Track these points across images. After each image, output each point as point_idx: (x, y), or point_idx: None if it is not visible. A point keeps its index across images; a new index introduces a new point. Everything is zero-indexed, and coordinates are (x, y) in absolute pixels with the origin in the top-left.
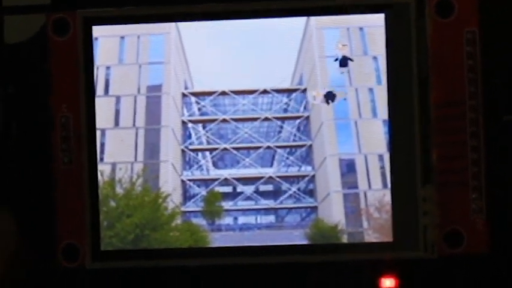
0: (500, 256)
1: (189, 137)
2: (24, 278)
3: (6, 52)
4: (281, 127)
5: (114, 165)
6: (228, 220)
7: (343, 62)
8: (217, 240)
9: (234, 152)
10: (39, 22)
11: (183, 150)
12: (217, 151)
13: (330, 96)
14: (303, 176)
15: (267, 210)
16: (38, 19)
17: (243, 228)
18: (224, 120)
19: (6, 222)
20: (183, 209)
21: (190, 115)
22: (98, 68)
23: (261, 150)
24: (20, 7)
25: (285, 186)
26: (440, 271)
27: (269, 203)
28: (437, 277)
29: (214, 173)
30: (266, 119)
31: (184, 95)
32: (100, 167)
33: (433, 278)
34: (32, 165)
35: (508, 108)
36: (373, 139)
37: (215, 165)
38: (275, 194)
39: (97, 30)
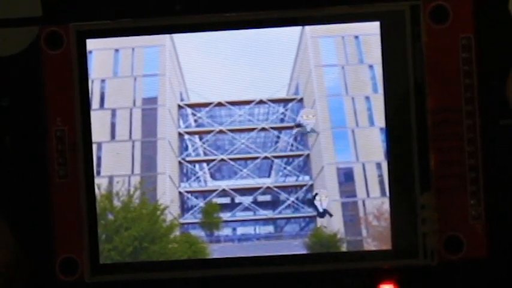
0: (499, 261)
1: (186, 148)
2: None
3: None
4: (278, 137)
5: (111, 179)
6: (226, 231)
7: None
8: (216, 251)
9: (232, 163)
10: (32, 34)
11: (180, 162)
12: (214, 162)
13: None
14: (301, 186)
15: (265, 221)
16: (30, 32)
17: (241, 239)
18: (221, 131)
19: (2, 233)
20: (181, 220)
21: (186, 127)
22: (92, 82)
23: (258, 160)
24: (12, 20)
25: (283, 196)
26: (439, 277)
27: (268, 213)
28: (436, 283)
29: (212, 184)
30: (263, 129)
31: (180, 107)
32: (97, 180)
33: (432, 284)
34: (28, 179)
35: (504, 113)
36: (371, 147)
37: (213, 176)
38: (273, 204)
39: (91, 43)
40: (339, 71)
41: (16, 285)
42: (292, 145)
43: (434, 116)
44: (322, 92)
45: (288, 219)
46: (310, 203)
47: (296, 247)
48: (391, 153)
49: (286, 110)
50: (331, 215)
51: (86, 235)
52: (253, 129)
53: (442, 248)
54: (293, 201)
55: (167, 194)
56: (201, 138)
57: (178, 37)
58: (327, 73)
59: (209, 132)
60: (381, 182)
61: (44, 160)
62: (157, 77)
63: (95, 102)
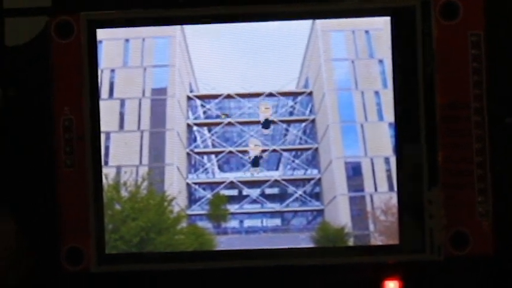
0: (505, 258)
1: (195, 140)
2: (26, 280)
3: (7, 54)
4: (287, 130)
5: (119, 169)
6: (233, 223)
7: (266, 124)
8: (223, 243)
9: (240, 155)
10: (40, 24)
11: (188, 154)
12: (222, 154)
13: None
14: (309, 179)
15: (273, 214)
16: (39, 21)
17: (248, 231)
18: (229, 124)
19: (6, 223)
20: (188, 212)
21: (195, 118)
22: (102, 71)
23: (266, 153)
24: (20, 9)
25: (291, 189)
26: (444, 272)
27: (275, 206)
28: (442, 278)
29: (219, 176)
30: (272, 122)
31: (189, 98)
32: (105, 170)
33: (438, 280)
34: (35, 168)
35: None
36: (379, 142)
37: (221, 168)
38: (281, 197)
39: (101, 33)
40: (348, 65)
41: (18, 274)
42: (300, 138)
43: (443, 112)
44: (331, 86)
45: (296, 213)
46: (316, 196)
47: (303, 240)
48: (400, 148)
49: (296, 103)
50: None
51: (92, 225)
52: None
53: (448, 243)
54: (301, 195)
55: (175, 185)
56: (209, 130)
57: (188, 28)
58: (337, 67)
59: (218, 124)
60: (389, 177)
61: (51, 149)
62: (167, 68)
63: (104, 92)
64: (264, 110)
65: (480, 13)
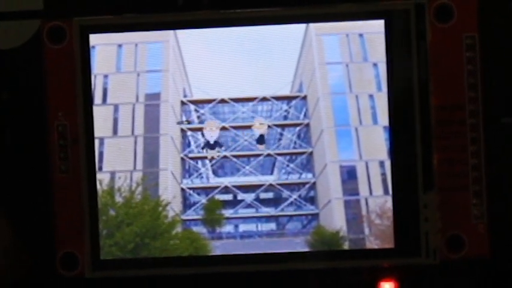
0: (501, 260)
1: (189, 145)
2: (25, 278)
3: (0, 57)
4: (281, 134)
5: (113, 174)
6: (228, 228)
7: (260, 140)
8: (218, 248)
9: (234, 159)
10: (33, 27)
11: (182, 158)
12: (217, 159)
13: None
14: (304, 183)
15: (267, 218)
16: (31, 25)
17: (243, 236)
18: (224, 128)
19: (3, 220)
20: (183, 217)
21: (189, 123)
22: (95, 77)
23: (261, 157)
24: (13, 13)
25: (285, 193)
26: (440, 276)
27: (270, 211)
28: (438, 282)
29: (214, 181)
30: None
31: (183, 103)
32: (99, 175)
33: (433, 282)
34: (29, 173)
35: (506, 110)
36: (374, 146)
37: (215, 173)
38: (276, 201)
39: (94, 38)
40: (343, 68)
41: (18, 272)
42: (295, 142)
43: (437, 115)
44: (326, 90)
45: (290, 217)
46: (311, 200)
47: (298, 245)
48: (394, 151)
49: (290, 107)
50: (221, 146)
51: (87, 230)
52: None
53: (444, 247)
54: (295, 199)
55: (169, 190)
56: (203, 135)
57: (181, 33)
58: (331, 71)
59: None
60: (384, 181)
61: (45, 155)
62: (161, 73)
63: (97, 98)
64: (259, 126)
65: (474, 15)
